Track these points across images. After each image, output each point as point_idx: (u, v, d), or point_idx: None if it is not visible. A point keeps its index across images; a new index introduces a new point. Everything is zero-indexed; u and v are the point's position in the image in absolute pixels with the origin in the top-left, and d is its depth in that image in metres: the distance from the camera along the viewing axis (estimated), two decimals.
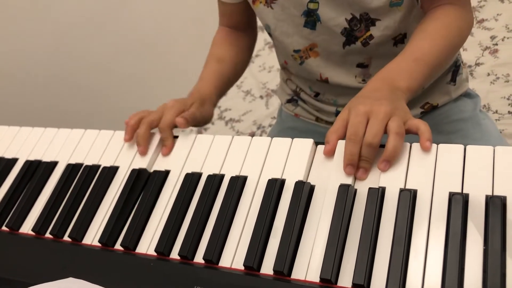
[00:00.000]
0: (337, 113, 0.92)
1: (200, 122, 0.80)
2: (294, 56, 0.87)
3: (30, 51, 1.55)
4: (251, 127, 1.91)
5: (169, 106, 0.76)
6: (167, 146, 0.72)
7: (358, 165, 0.57)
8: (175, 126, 0.74)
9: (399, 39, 0.81)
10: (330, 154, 0.60)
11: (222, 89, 0.90)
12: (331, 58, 0.84)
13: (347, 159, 0.56)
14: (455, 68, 0.90)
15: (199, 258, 0.57)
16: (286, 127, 1.04)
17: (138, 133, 0.72)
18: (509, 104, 1.54)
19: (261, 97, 2.04)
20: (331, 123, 0.95)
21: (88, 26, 1.69)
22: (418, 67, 0.66)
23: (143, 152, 0.72)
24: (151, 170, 0.69)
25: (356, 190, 0.56)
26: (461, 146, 0.55)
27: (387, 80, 0.64)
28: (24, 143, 0.83)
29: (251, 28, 0.98)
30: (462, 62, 0.93)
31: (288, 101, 1.02)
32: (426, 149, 0.55)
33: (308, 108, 0.98)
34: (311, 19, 0.80)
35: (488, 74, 1.65)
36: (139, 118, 0.74)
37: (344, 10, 0.77)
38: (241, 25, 0.95)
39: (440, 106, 0.90)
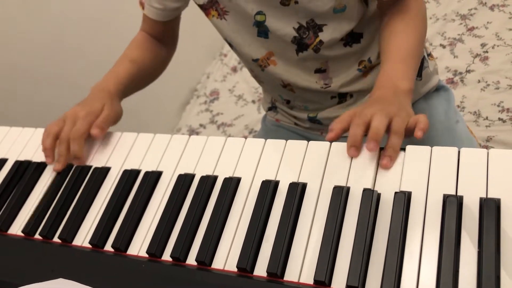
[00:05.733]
0: (309, 119, 0.94)
1: (115, 121, 0.79)
2: (254, 65, 0.88)
3: (28, 48, 1.53)
4: (243, 131, 1.91)
5: (81, 116, 0.74)
6: (79, 158, 0.72)
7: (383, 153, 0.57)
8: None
9: (349, 39, 0.82)
10: (331, 140, 0.61)
11: (129, 89, 0.88)
12: (289, 65, 0.85)
13: (351, 140, 0.57)
14: None
15: (191, 259, 0.56)
16: (270, 130, 1.07)
17: (59, 151, 0.73)
18: (499, 111, 1.55)
19: (253, 101, 2.04)
20: (309, 128, 0.96)
21: (85, 26, 1.68)
22: (408, 65, 0.70)
23: (58, 169, 0.73)
24: (143, 171, 0.68)
25: (350, 191, 0.56)
26: (455, 149, 0.55)
27: (390, 85, 0.67)
28: (14, 143, 0.82)
29: (170, 41, 0.98)
30: (427, 54, 0.94)
31: (269, 109, 1.05)
32: (417, 137, 0.57)
33: (286, 115, 1.01)
34: (262, 29, 0.81)
35: (479, 81, 1.66)
36: (53, 137, 0.74)
37: (291, 20, 0.78)
38: (160, 36, 0.95)
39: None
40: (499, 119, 1.53)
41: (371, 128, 0.57)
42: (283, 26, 0.78)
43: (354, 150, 0.57)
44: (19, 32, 1.50)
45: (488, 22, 1.84)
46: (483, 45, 1.77)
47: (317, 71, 0.85)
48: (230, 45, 0.89)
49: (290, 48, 0.82)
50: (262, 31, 0.81)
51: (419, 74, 0.90)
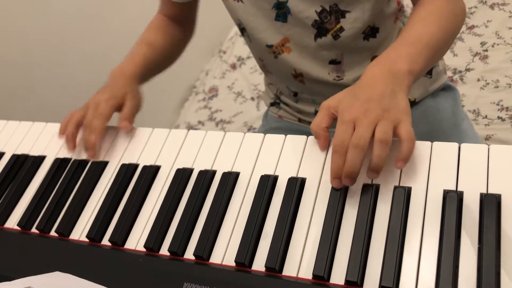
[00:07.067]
0: (316, 113, 0.92)
1: (139, 108, 0.79)
2: (267, 51, 0.86)
3: (27, 43, 1.53)
4: (242, 128, 1.90)
5: (103, 100, 0.74)
6: (97, 135, 0.71)
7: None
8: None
9: (369, 33, 0.81)
10: (325, 147, 0.59)
11: (147, 74, 0.87)
12: (304, 53, 0.83)
13: (334, 171, 0.54)
14: None
15: (189, 254, 0.56)
16: (270, 128, 1.05)
17: (87, 139, 0.71)
18: (498, 109, 1.55)
19: (252, 98, 2.03)
20: None
21: (82, 22, 1.68)
22: (417, 49, 0.62)
23: (93, 156, 0.71)
24: (141, 165, 0.68)
25: (349, 186, 0.55)
26: (456, 144, 0.54)
27: (386, 65, 0.60)
28: (11, 137, 0.82)
29: (189, 23, 0.97)
30: None
31: (272, 104, 1.03)
32: (395, 166, 0.54)
33: (290, 110, 0.99)
34: (282, 11, 0.79)
35: (478, 80, 1.66)
36: (75, 124, 0.74)
37: (314, 2, 0.76)
38: (179, 18, 0.95)
39: (418, 102, 0.90)
40: (498, 117, 1.53)
41: (346, 161, 0.53)
42: (306, 8, 0.77)
43: (339, 182, 0.54)
44: (18, 28, 1.50)
45: (488, 21, 1.83)
46: (482, 43, 1.77)
47: (332, 62, 0.83)
48: (243, 30, 0.87)
49: (308, 33, 0.80)
50: (282, 14, 0.79)
51: (429, 72, 0.89)
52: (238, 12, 0.83)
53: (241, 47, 2.27)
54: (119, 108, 0.76)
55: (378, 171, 0.53)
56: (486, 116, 1.55)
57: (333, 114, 0.58)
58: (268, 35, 0.83)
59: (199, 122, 2.05)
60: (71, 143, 0.74)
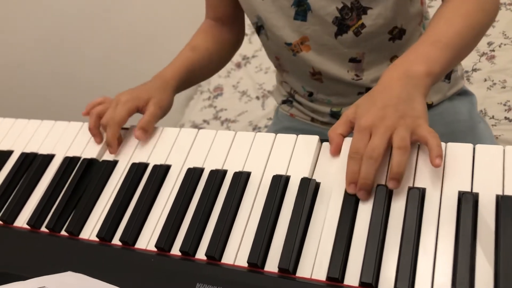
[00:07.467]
0: (331, 113, 0.91)
1: (162, 115, 0.79)
2: (286, 49, 0.85)
3: (28, 43, 1.53)
4: (247, 127, 1.90)
5: (122, 101, 0.75)
6: (111, 146, 0.72)
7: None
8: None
9: (396, 35, 0.80)
10: (336, 153, 0.59)
11: (189, 77, 0.87)
12: (323, 52, 0.83)
13: (349, 177, 0.54)
14: None
15: (201, 254, 0.56)
16: (282, 127, 1.03)
17: (108, 136, 0.72)
18: (505, 110, 1.54)
19: (257, 98, 2.03)
20: (327, 123, 0.94)
21: (85, 22, 1.68)
22: (437, 49, 0.60)
23: (114, 152, 0.72)
24: (151, 165, 0.68)
25: None
26: (470, 145, 0.54)
27: (403, 67, 0.59)
28: (20, 135, 0.81)
29: (237, 23, 0.96)
30: None
31: (283, 102, 1.02)
32: (436, 166, 0.52)
33: (303, 109, 0.97)
34: (301, 8, 0.78)
35: (485, 80, 1.65)
36: (96, 117, 0.75)
37: None
38: (226, 18, 0.94)
39: (435, 105, 0.89)
40: (505, 118, 1.52)
41: (360, 172, 0.53)
42: (327, 4, 0.76)
43: (354, 187, 0.53)
44: (18, 28, 1.50)
45: (495, 21, 1.82)
46: (489, 43, 1.76)
47: (352, 60, 0.82)
48: (260, 28, 0.86)
49: (329, 31, 0.79)
50: (301, 11, 0.78)
51: (448, 77, 0.88)
52: (258, 9, 0.82)
53: (246, 46, 2.26)
54: (139, 110, 0.76)
55: (399, 180, 0.53)
56: (493, 117, 1.54)
57: (351, 122, 0.59)
58: (286, 33, 0.82)
59: (204, 121, 2.04)
60: (97, 138, 0.75)
